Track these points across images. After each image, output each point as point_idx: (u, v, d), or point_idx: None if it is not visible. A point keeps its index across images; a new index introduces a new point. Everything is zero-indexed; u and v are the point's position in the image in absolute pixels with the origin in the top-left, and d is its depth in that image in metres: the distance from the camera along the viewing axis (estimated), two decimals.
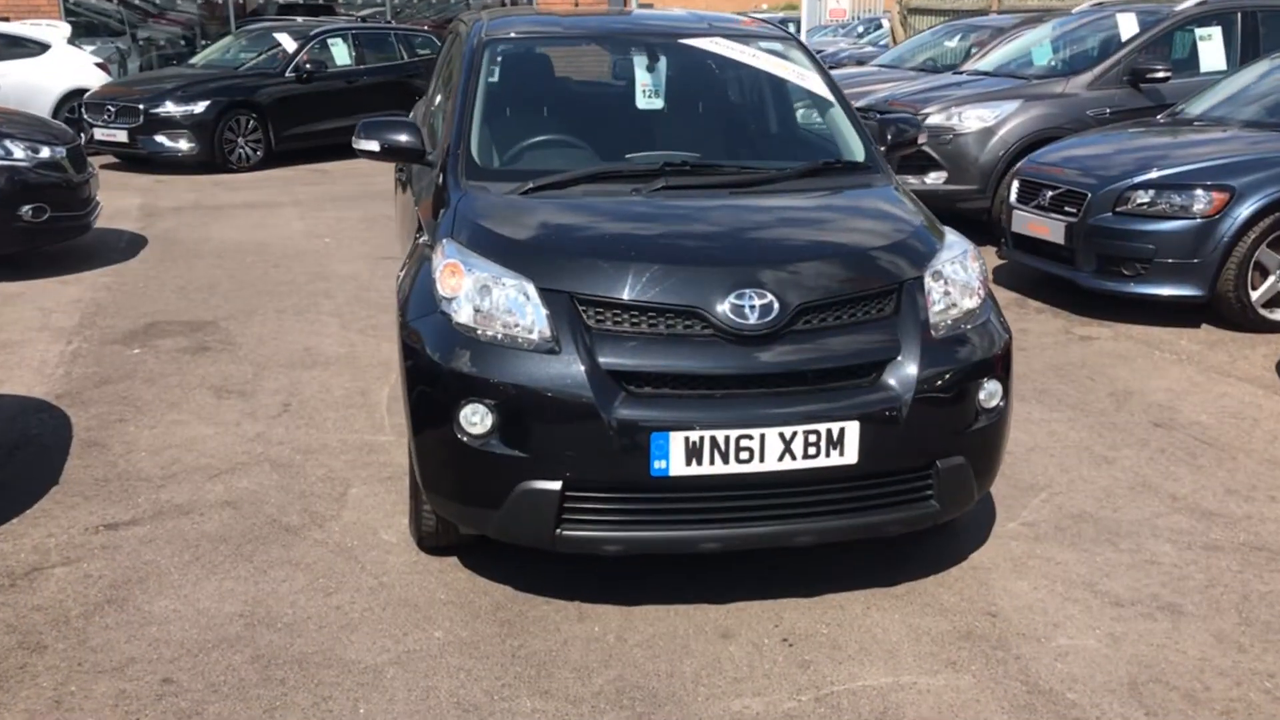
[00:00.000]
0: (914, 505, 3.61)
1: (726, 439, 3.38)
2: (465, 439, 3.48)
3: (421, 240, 4.14)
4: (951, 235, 4.01)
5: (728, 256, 3.63)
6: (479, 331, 3.53)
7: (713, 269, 3.56)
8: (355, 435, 5.25)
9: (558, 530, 3.47)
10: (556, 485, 3.43)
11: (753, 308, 3.46)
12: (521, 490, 3.44)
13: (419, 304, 3.74)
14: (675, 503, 3.46)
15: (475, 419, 3.47)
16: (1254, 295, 6.86)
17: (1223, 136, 7.59)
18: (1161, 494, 4.65)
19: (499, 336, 3.51)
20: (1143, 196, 6.95)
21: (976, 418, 3.64)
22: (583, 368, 3.40)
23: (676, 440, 3.37)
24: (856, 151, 4.49)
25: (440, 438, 3.57)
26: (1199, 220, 6.79)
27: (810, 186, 4.21)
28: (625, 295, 3.50)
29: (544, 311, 3.50)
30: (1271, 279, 6.87)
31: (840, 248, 3.78)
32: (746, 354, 3.45)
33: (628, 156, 4.41)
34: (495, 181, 4.16)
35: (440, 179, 4.29)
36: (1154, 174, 7.03)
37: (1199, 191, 6.83)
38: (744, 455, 3.40)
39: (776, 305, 3.47)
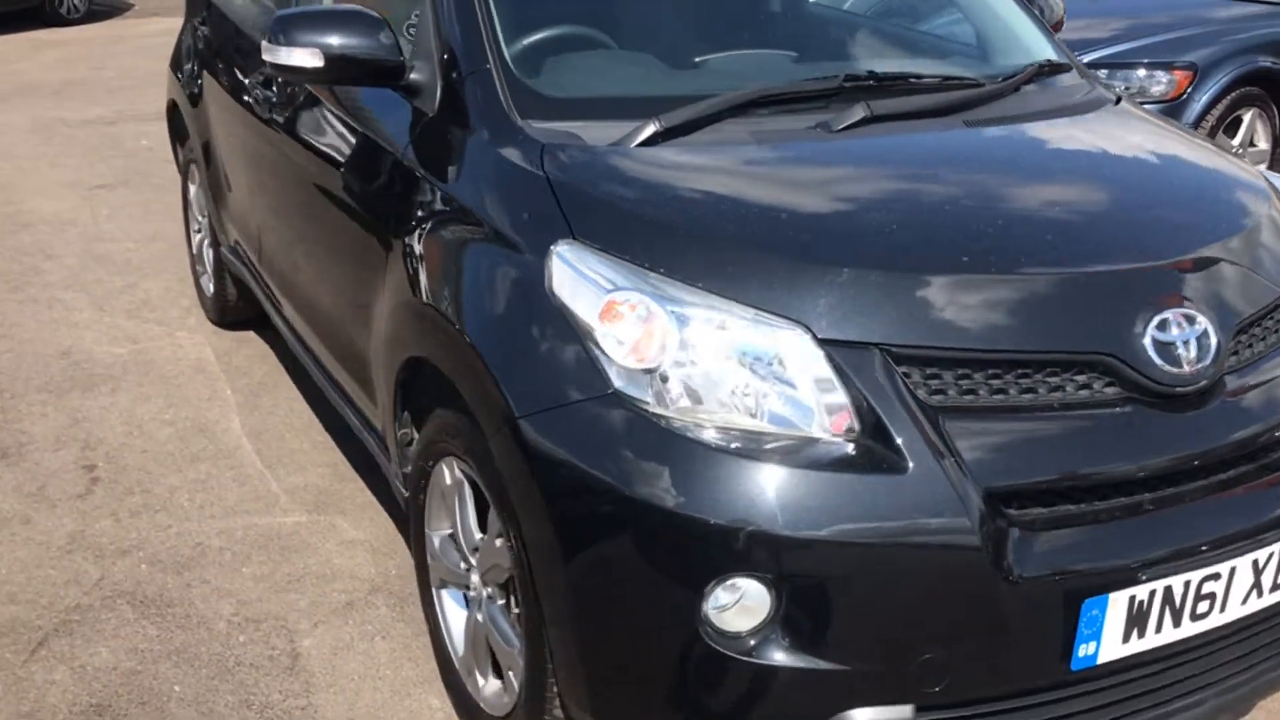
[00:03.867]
0: None
1: (1186, 586, 1.92)
2: (714, 642, 1.82)
3: (447, 234, 2.30)
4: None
5: (1113, 253, 2.09)
6: (708, 434, 1.84)
7: (1105, 279, 2.02)
8: (239, 520, 3.30)
9: None
10: (905, 713, 1.85)
11: (1186, 342, 1.97)
12: None
13: (536, 380, 1.97)
14: (1090, 703, 1.97)
15: (734, 608, 1.81)
16: None
17: (1154, 5, 6.69)
18: None
19: (761, 443, 1.83)
20: None
21: None
22: (936, 487, 1.81)
23: (1117, 606, 1.87)
24: (1042, 45, 2.99)
25: (647, 639, 1.88)
26: (1160, 105, 5.85)
27: (1045, 106, 2.68)
28: (980, 343, 1.91)
29: (838, 385, 1.85)
30: None
31: (1232, 214, 2.31)
32: (1184, 422, 1.97)
33: (729, 62, 2.69)
34: (564, 119, 2.35)
35: (449, 118, 2.43)
36: (1100, 52, 6.00)
37: (1159, 72, 5.88)
38: (1203, 606, 1.96)
39: (1213, 333, 2.01)
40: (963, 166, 2.33)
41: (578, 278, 1.99)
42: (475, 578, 2.36)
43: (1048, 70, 2.82)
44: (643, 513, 1.83)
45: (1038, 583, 1.82)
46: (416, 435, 2.63)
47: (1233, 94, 5.97)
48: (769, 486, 1.80)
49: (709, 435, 1.84)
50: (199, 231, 4.73)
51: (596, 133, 2.31)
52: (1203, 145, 2.68)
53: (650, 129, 2.27)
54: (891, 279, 1.93)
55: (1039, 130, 2.53)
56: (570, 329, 1.96)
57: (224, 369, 4.26)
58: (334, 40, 2.46)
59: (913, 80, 2.60)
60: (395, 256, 2.48)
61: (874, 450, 1.83)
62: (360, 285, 2.71)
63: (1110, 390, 1.95)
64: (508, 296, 2.10)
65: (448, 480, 2.38)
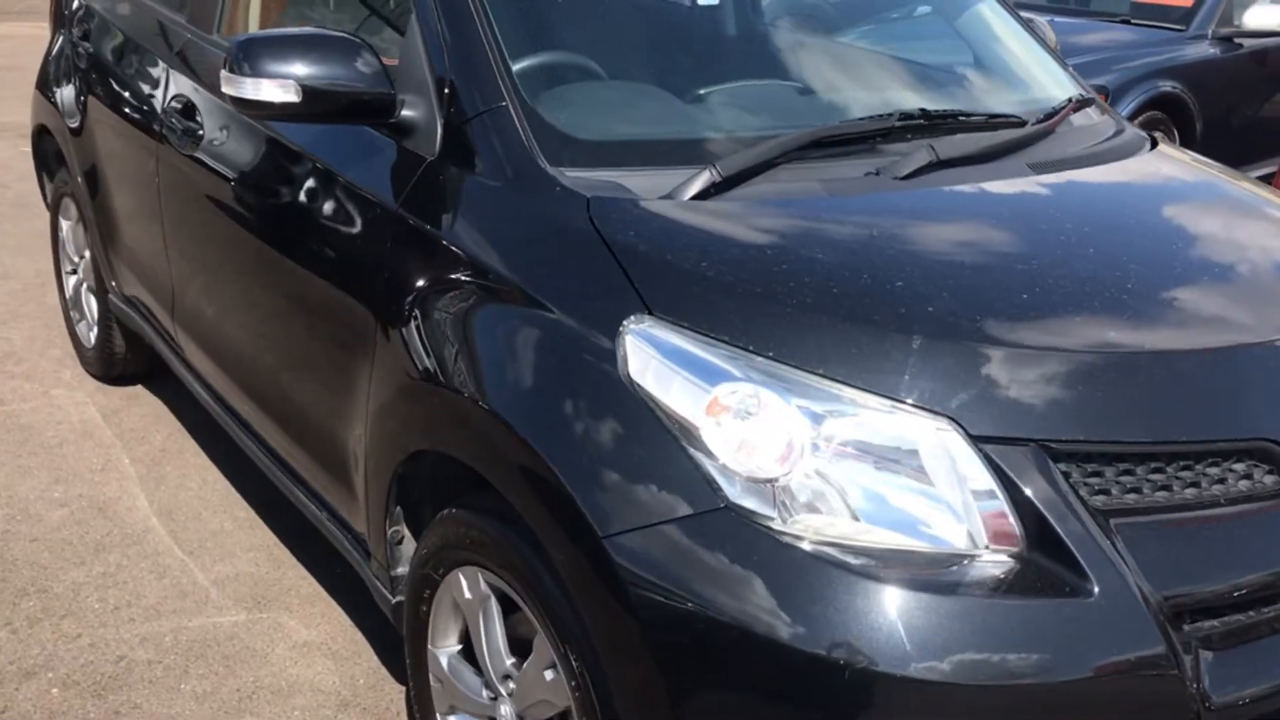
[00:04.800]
0: None
1: None
2: None
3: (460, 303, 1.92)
4: None
5: (1258, 324, 1.85)
6: (846, 555, 1.53)
7: (1256, 354, 1.78)
8: (165, 623, 2.81)
9: None
10: None
11: None
12: None
13: (625, 491, 1.62)
14: None
15: None
16: None
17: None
18: None
19: (909, 564, 1.53)
20: None
21: None
22: (1124, 607, 1.53)
23: None
24: (1062, 80, 2.78)
25: None
26: None
27: (1092, 147, 2.45)
28: (1142, 433, 1.65)
29: (997, 489, 1.56)
30: None
31: None
32: None
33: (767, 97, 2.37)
34: (599, 166, 2.00)
35: (457, 164, 2.05)
36: None
37: None
38: None
39: None
40: (1059, 223, 2.06)
41: (665, 364, 1.65)
42: (507, 710, 1.98)
43: (1075, 105, 2.61)
44: (772, 652, 1.51)
45: (1232, 711, 1.57)
46: (408, 534, 2.24)
47: (1139, 119, 5.98)
48: (925, 618, 1.50)
49: (847, 557, 1.53)
50: (73, 273, 4.17)
51: (640, 182, 1.97)
52: (1268, 191, 2.51)
53: (705, 179, 1.94)
54: (1045, 361, 1.65)
55: (1109, 177, 2.30)
56: (662, 427, 1.62)
57: (116, 433, 3.73)
58: (311, 70, 2.06)
59: (961, 118, 2.34)
60: (389, 329, 2.09)
61: (1045, 567, 1.54)
62: (334, 360, 2.30)
63: (1270, 479, 1.71)
64: (570, 384, 1.74)
65: (466, 593, 2.00)
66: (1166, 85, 6.10)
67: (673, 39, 2.35)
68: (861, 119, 2.21)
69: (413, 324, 2.03)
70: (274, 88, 2.06)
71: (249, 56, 2.06)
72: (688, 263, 1.77)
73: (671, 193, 1.93)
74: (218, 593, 2.93)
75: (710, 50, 2.37)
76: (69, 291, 4.21)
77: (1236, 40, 6.36)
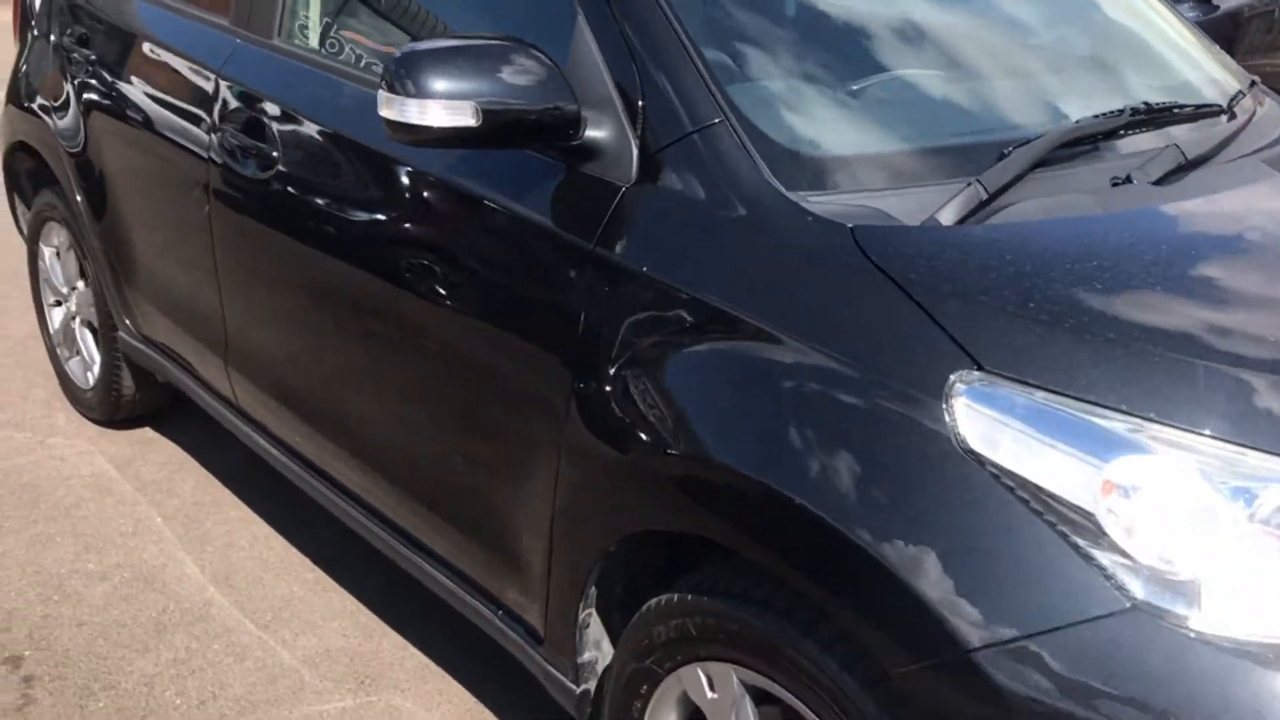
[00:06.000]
0: None
1: None
2: None
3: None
4: None
5: None
6: None
7: None
8: (262, 715, 2.46)
9: None
10: None
11: None
12: None
13: (991, 591, 1.35)
14: None
15: None
16: None
17: None
18: None
19: None
20: None
21: None
22: None
23: None
24: (1219, 61, 2.56)
25: None
26: None
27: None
28: None
29: None
30: None
31: None
32: None
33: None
34: (841, 188, 1.72)
35: (664, 193, 1.75)
36: None
37: None
38: None
39: None
40: None
41: (1028, 433, 1.38)
42: None
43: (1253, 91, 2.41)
44: None
45: None
46: (597, 617, 1.94)
47: None
48: None
49: None
50: (58, 305, 3.73)
51: (891, 203, 1.70)
52: None
53: (970, 197, 1.68)
54: None
55: None
56: (1030, 510, 1.36)
57: (137, 487, 3.33)
58: (490, 86, 1.73)
59: (1175, 110, 2.11)
60: (587, 387, 1.78)
61: None
62: (498, 423, 1.98)
63: None
64: (881, 455, 1.46)
65: (711, 692, 1.72)
66: None
67: (882, 32, 2.06)
68: (1096, 117, 1.96)
69: (627, 381, 1.73)
70: (444, 110, 1.72)
71: (413, 72, 1.73)
72: (1008, 303, 1.50)
73: (936, 215, 1.66)
74: (312, 674, 2.58)
75: (910, 43, 2.09)
76: (54, 326, 3.77)
77: None
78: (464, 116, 1.73)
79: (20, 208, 3.83)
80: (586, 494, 1.82)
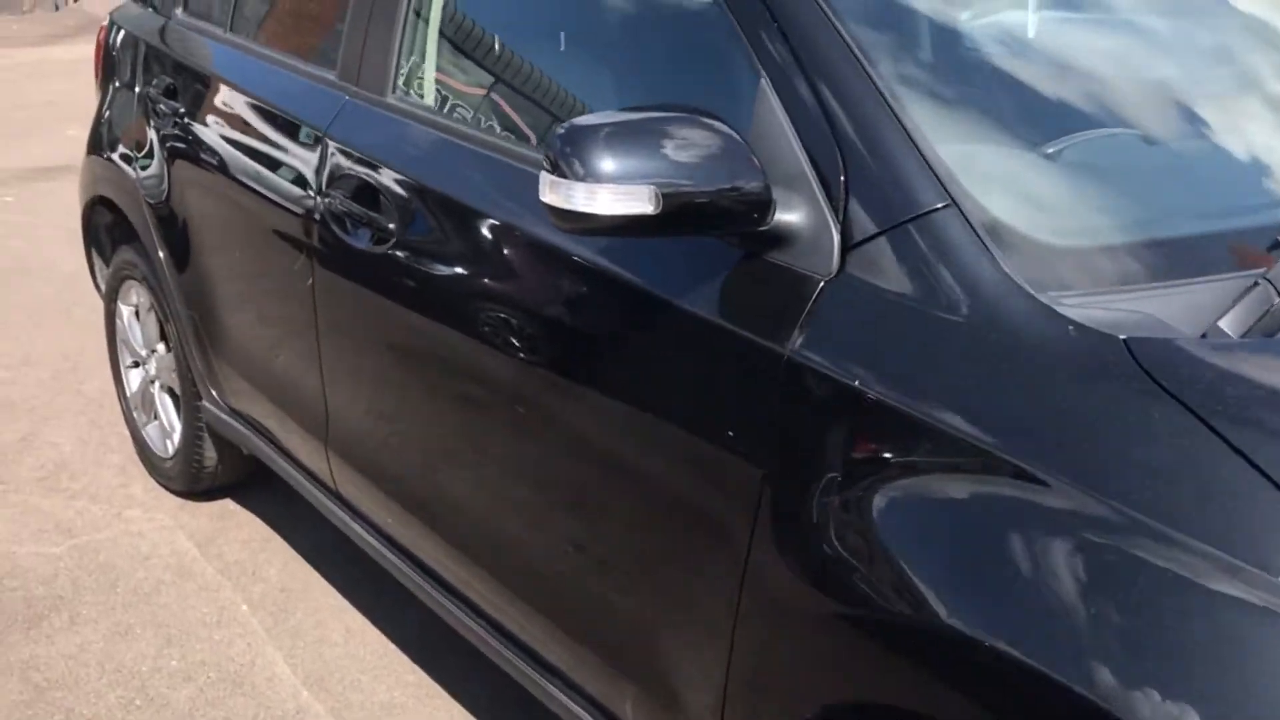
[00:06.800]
0: None
1: None
2: None
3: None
4: None
5: None
6: None
7: None
8: None
9: None
10: None
11: None
12: None
13: None
14: None
15: None
16: None
17: None
18: None
19: None
20: None
21: None
22: None
23: None
24: None
25: None
26: None
27: None
28: None
29: None
30: None
31: None
32: None
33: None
34: (1092, 287, 1.43)
35: (876, 289, 1.47)
36: None
37: None
38: None
39: None
40: None
41: None
42: None
43: None
44: None
45: None
46: None
47: None
48: None
49: None
50: (135, 366, 3.52)
51: (1154, 306, 1.41)
52: None
53: (1258, 300, 1.38)
54: None
55: None
56: None
57: (220, 569, 3.09)
58: (673, 166, 1.47)
59: None
60: (778, 520, 1.50)
61: None
62: (654, 548, 1.71)
63: None
64: (1212, 647, 1.16)
65: None
66: None
67: (1130, 93, 1.76)
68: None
69: (833, 518, 1.44)
70: (615, 198, 1.46)
71: (580, 151, 1.46)
72: None
73: (1217, 322, 1.37)
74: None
75: (1161, 108, 1.78)
76: (131, 388, 3.55)
77: None
78: (640, 203, 1.46)
79: (99, 265, 3.64)
80: (773, 645, 1.54)
